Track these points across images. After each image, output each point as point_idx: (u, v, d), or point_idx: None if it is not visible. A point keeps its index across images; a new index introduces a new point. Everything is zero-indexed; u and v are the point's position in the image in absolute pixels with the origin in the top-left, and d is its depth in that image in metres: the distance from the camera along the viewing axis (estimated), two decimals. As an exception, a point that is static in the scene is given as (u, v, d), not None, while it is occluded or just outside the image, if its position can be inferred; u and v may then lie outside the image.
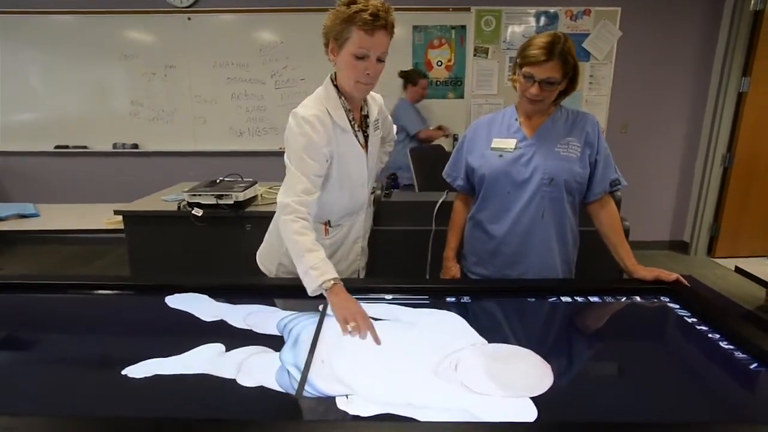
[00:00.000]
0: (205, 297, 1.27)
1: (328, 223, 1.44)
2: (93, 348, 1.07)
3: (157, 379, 0.91)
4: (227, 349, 1.01)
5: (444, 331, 1.10)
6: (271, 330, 1.10)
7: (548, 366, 0.94)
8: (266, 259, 1.52)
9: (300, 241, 1.19)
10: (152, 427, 0.76)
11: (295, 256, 1.21)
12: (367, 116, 1.42)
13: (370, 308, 1.15)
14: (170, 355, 0.98)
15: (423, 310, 1.19)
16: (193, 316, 1.17)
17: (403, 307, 1.21)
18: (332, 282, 1.15)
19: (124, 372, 0.93)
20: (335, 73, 1.32)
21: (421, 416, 0.80)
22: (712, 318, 1.11)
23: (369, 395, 0.86)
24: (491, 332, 1.08)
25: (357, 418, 0.80)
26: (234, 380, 0.91)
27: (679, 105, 3.88)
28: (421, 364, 0.96)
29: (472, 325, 1.11)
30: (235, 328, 1.11)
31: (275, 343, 1.04)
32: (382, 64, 1.25)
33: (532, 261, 1.45)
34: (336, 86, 1.32)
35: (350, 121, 1.34)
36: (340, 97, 1.32)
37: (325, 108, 1.30)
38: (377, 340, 1.03)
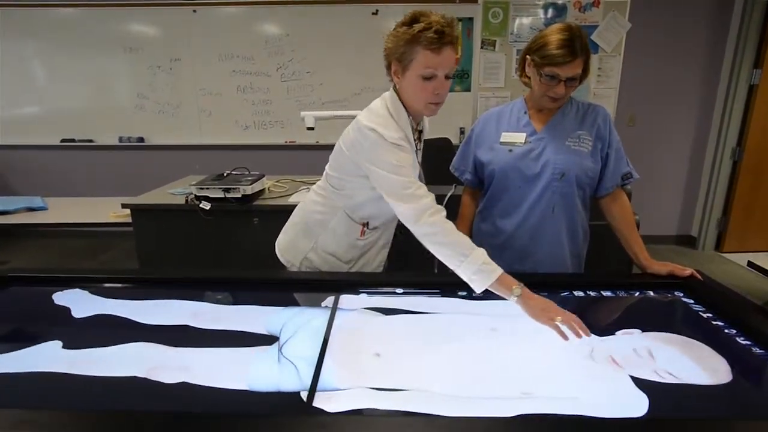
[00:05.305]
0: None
1: (366, 225, 1.42)
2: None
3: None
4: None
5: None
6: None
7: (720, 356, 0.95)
8: (289, 253, 1.50)
9: (461, 242, 1.15)
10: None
11: (455, 255, 1.14)
12: (422, 131, 1.39)
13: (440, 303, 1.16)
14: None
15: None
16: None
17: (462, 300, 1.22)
18: (518, 288, 1.09)
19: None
20: (396, 86, 1.26)
21: (530, 406, 0.81)
22: (727, 313, 1.10)
23: (455, 388, 0.87)
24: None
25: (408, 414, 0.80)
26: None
27: (689, 97, 3.83)
28: (559, 352, 0.99)
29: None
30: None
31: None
32: (450, 81, 1.20)
33: (542, 256, 1.43)
34: (401, 102, 1.26)
35: (414, 139, 1.31)
36: (408, 116, 1.27)
37: (397, 126, 1.24)
38: (587, 332, 1.01)
